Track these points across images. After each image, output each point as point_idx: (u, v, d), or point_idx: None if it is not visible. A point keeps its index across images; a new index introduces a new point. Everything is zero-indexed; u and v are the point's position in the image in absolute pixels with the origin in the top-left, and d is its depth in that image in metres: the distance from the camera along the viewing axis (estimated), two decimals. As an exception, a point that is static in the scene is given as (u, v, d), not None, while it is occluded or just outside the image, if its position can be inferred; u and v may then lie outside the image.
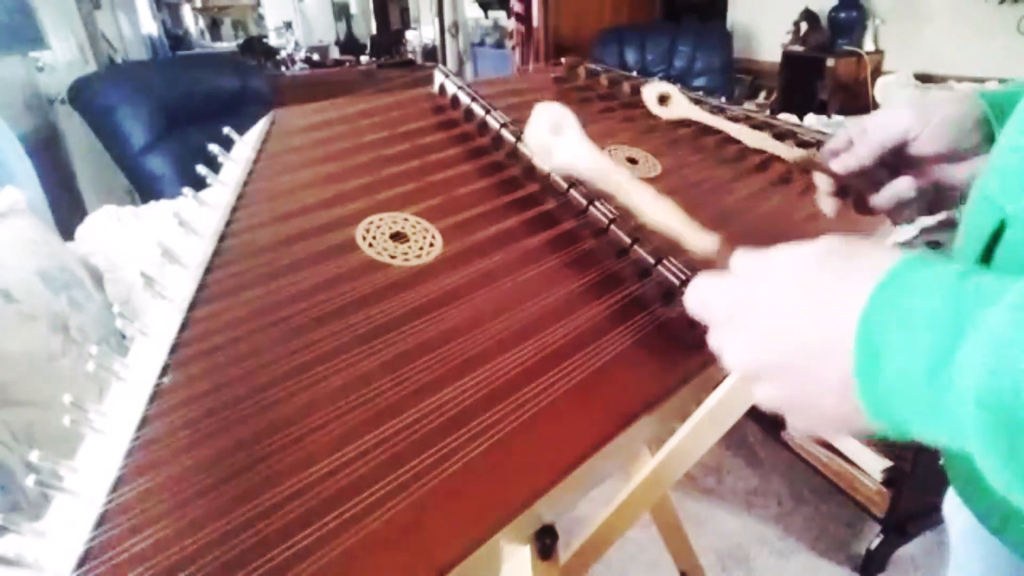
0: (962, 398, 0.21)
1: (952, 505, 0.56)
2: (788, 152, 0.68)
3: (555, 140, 0.45)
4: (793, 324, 0.27)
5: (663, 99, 0.72)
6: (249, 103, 2.40)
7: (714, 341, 0.31)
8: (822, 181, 0.52)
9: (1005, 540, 0.42)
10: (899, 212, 0.50)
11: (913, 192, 0.48)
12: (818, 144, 0.72)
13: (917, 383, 0.22)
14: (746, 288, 0.30)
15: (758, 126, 0.76)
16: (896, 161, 0.49)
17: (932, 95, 0.49)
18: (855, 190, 0.51)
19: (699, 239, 0.38)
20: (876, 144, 0.49)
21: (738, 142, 0.74)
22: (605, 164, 0.43)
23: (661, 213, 0.41)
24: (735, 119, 0.77)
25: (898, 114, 0.49)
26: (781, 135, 0.75)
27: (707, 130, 0.77)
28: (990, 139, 0.46)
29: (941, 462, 0.50)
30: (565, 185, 0.57)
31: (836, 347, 0.25)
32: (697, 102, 0.77)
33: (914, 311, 0.23)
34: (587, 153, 0.44)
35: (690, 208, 0.60)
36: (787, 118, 0.84)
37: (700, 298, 0.32)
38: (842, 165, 0.50)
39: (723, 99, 0.83)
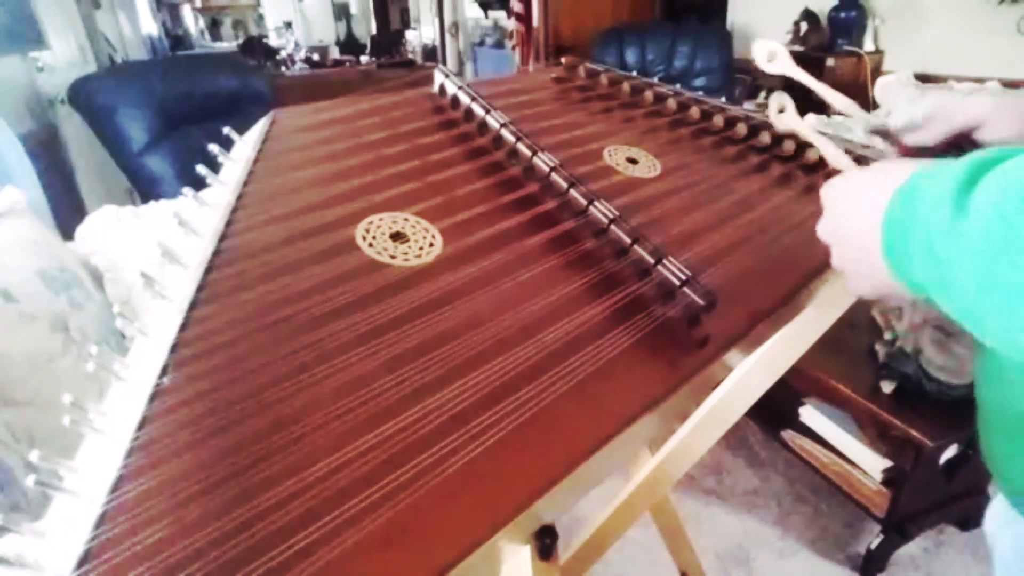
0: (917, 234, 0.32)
1: (997, 520, 0.56)
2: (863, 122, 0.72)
3: (782, 117, 0.65)
4: (852, 209, 0.39)
5: (772, 56, 0.75)
6: (249, 103, 2.40)
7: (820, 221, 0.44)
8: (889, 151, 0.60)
9: None
10: None
11: None
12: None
13: (919, 240, 0.32)
14: (838, 187, 0.42)
15: (759, 126, 0.76)
16: (967, 146, 0.53)
17: (1003, 90, 0.54)
18: None
19: (844, 161, 0.54)
20: (951, 125, 0.53)
21: (738, 141, 0.75)
22: (806, 127, 0.63)
23: (838, 158, 0.56)
24: (733, 119, 0.77)
25: (977, 102, 0.53)
26: (781, 135, 0.75)
27: (706, 130, 0.77)
28: None
29: (948, 466, 0.50)
30: (565, 185, 0.57)
31: (874, 223, 0.36)
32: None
33: (922, 195, 0.33)
34: (797, 122, 0.65)
35: (691, 208, 0.60)
36: (787, 118, 0.84)
37: (823, 191, 0.44)
38: (915, 139, 0.56)
39: (723, 99, 0.83)
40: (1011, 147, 0.30)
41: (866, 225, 0.37)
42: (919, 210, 0.32)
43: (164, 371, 0.36)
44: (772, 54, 0.74)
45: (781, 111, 0.73)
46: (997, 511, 0.56)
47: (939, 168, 0.33)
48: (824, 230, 0.43)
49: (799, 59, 0.72)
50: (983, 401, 0.51)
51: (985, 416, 0.51)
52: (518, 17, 3.56)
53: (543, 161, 0.59)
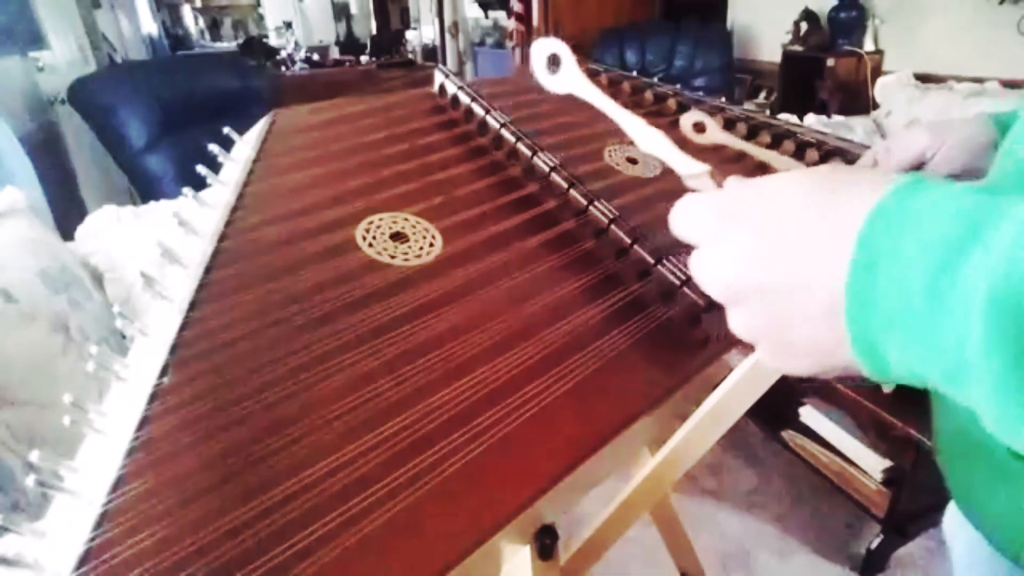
0: (966, 305, 0.18)
1: (953, 523, 0.55)
2: None
3: (553, 77, 0.49)
4: (784, 242, 0.24)
5: (698, 128, 0.74)
6: (249, 103, 2.40)
7: (694, 261, 0.28)
8: None
9: (1015, 557, 0.42)
10: None
11: None
12: (822, 149, 0.72)
13: (913, 292, 0.20)
14: (736, 204, 0.27)
15: (782, 134, 0.76)
16: None
17: (948, 119, 0.55)
18: None
19: (687, 163, 0.38)
20: (896, 164, 0.54)
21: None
22: (598, 94, 0.47)
23: (650, 139, 0.42)
24: (733, 119, 0.77)
25: (916, 136, 0.53)
26: (780, 135, 0.75)
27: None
28: None
29: (944, 479, 0.49)
30: (565, 185, 0.57)
31: (829, 265, 0.22)
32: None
33: (922, 217, 0.20)
34: (582, 84, 0.49)
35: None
36: (787, 118, 0.84)
37: (685, 214, 0.29)
38: None
39: (723, 99, 0.83)
40: None
41: (819, 264, 0.23)
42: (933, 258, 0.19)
43: (164, 371, 0.36)
44: (700, 126, 0.69)
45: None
46: (952, 514, 0.56)
47: (949, 187, 0.21)
48: (730, 275, 0.27)
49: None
50: (937, 410, 0.48)
51: (939, 426, 0.49)
52: (518, 17, 3.56)
53: (543, 161, 0.59)
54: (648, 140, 0.42)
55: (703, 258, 0.28)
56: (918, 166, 0.53)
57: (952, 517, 0.56)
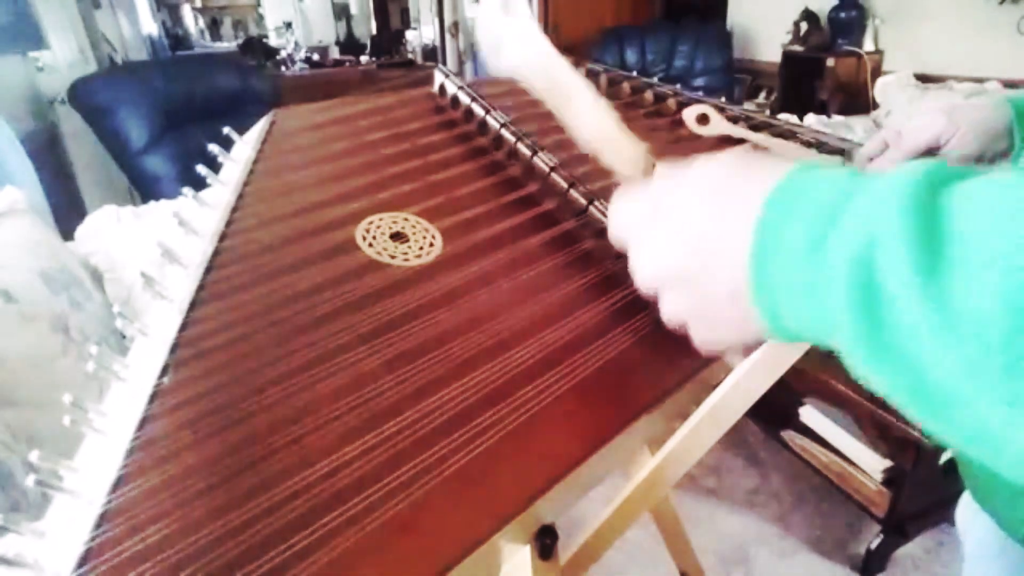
0: (832, 278, 0.21)
1: (967, 514, 0.56)
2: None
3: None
4: (693, 231, 0.27)
5: (702, 119, 0.73)
6: (249, 103, 2.40)
7: (630, 262, 0.31)
8: None
9: None
10: None
11: None
12: (820, 147, 0.72)
13: (798, 269, 0.22)
14: (657, 202, 0.30)
15: (782, 134, 0.76)
16: None
17: (964, 101, 0.52)
18: None
19: (629, 149, 0.37)
20: (909, 148, 0.52)
21: (741, 141, 0.74)
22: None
23: (596, 125, 0.39)
24: (733, 119, 0.77)
25: (930, 119, 0.51)
26: (780, 135, 0.75)
27: (707, 130, 0.77)
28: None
29: (948, 466, 0.49)
30: (565, 185, 0.57)
31: (733, 249, 0.25)
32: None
33: (803, 204, 0.23)
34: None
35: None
36: (787, 118, 0.84)
37: (617, 224, 0.32)
38: (876, 169, 0.52)
39: (723, 99, 0.83)
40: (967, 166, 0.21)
41: (725, 249, 0.25)
42: (829, 228, 0.22)
43: (164, 371, 0.36)
44: (703, 118, 0.67)
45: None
46: (965, 505, 0.56)
47: (834, 170, 0.23)
48: (652, 267, 0.30)
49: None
50: None
51: None
52: (518, 17, 3.56)
53: (543, 161, 0.59)
54: (593, 127, 0.39)
55: (634, 257, 0.31)
56: (932, 151, 0.51)
57: (965, 508, 0.56)
